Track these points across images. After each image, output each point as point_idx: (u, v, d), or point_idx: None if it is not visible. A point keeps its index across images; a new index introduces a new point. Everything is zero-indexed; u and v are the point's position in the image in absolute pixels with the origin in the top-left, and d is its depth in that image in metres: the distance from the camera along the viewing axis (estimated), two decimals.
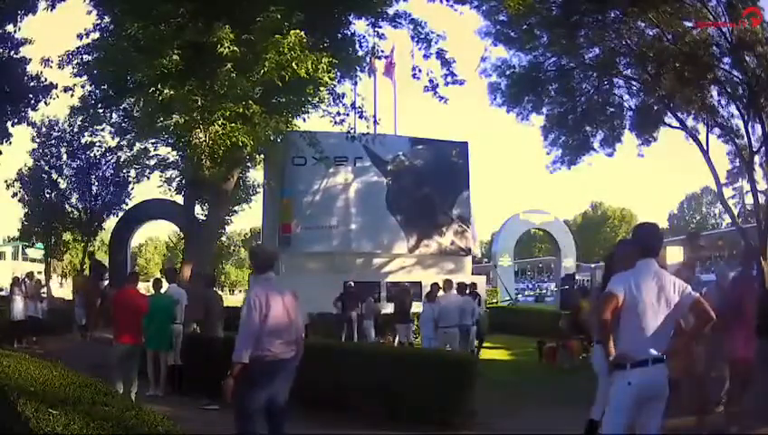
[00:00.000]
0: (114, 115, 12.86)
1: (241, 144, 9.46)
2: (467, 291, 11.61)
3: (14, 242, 42.01)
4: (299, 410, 6.90)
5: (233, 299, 44.53)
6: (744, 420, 5.38)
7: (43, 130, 21.37)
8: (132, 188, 22.25)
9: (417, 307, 12.69)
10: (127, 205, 22.13)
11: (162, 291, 8.53)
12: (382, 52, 14.02)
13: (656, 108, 18.81)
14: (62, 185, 22.09)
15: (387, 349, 9.33)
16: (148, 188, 32.52)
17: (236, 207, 19.68)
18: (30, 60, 15.38)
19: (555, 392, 8.40)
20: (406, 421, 6.31)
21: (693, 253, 7.47)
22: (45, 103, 15.75)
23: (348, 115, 12.07)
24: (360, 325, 13.57)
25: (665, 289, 3.48)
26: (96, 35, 11.13)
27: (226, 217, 19.26)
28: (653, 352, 3.40)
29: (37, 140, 21.55)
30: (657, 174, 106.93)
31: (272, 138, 10.57)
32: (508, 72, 19.04)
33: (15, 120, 15.91)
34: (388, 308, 14.35)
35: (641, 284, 3.47)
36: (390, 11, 11.80)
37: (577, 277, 33.34)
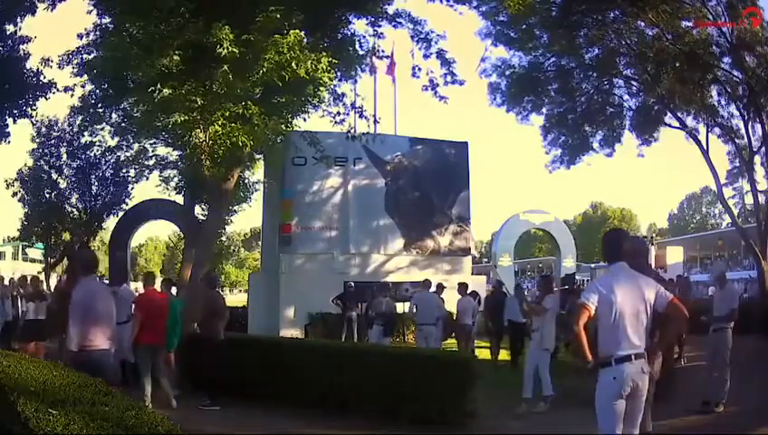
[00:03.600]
0: (114, 115, 12.86)
1: (241, 144, 9.45)
2: (467, 291, 11.62)
3: (14, 242, 42.00)
4: (300, 410, 6.93)
5: (233, 299, 44.56)
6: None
7: (43, 129, 21.35)
8: (132, 188, 22.26)
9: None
10: (127, 205, 22.12)
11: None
12: (382, 51, 14.01)
13: (656, 108, 18.83)
14: (62, 185, 22.06)
15: (387, 349, 9.32)
16: (148, 188, 32.51)
17: (236, 207, 19.65)
18: (30, 55, 15.40)
19: (555, 392, 8.38)
20: (406, 421, 6.31)
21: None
22: (46, 98, 15.75)
23: (348, 115, 12.07)
24: (360, 328, 13.24)
25: (639, 288, 3.68)
26: (96, 35, 11.13)
27: (226, 217, 19.24)
28: (634, 347, 3.56)
29: (37, 140, 21.52)
30: (657, 174, 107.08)
31: (271, 138, 10.56)
32: (508, 73, 19.07)
33: (16, 117, 15.90)
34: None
35: (614, 285, 3.65)
36: (390, 10, 11.81)
37: (577, 277, 33.31)
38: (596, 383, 3.66)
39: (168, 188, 14.28)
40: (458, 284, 11.82)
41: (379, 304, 11.69)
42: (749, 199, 21.89)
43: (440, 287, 11.23)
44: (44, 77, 15.37)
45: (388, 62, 19.05)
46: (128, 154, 13.86)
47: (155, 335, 7.14)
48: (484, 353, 12.04)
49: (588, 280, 37.52)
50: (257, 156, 13.52)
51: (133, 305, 7.91)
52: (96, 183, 22.01)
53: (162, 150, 13.27)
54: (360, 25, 14.19)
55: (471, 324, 11.26)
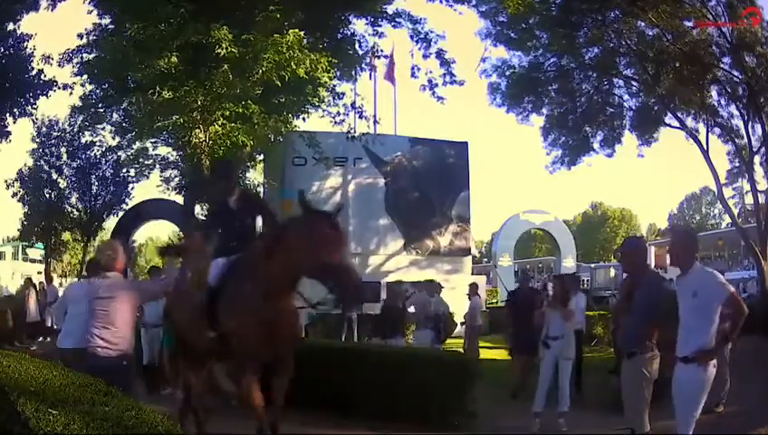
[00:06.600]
0: (114, 115, 12.89)
1: (241, 144, 9.47)
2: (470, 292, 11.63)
3: (14, 242, 41.96)
4: (299, 410, 6.92)
5: None
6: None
7: (44, 129, 21.37)
8: (132, 188, 22.28)
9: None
10: (127, 205, 22.13)
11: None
12: (382, 51, 14.05)
13: (656, 108, 18.80)
14: (62, 185, 22.08)
15: (387, 349, 9.31)
16: (148, 188, 32.50)
17: None
18: (32, 54, 15.38)
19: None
20: (406, 421, 6.31)
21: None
22: (46, 96, 15.75)
23: (347, 115, 12.11)
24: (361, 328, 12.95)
25: None
26: (96, 35, 11.16)
27: None
28: None
29: (37, 140, 21.55)
30: (657, 174, 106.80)
31: (271, 138, 10.58)
32: (508, 73, 19.04)
33: (17, 116, 15.90)
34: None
35: None
36: (390, 10, 11.85)
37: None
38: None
39: (168, 188, 14.32)
40: (469, 284, 11.83)
41: (427, 304, 9.57)
42: (749, 199, 21.91)
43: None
44: (45, 76, 15.39)
45: (387, 67, 19.01)
46: (128, 154, 13.88)
47: None
48: (488, 353, 12.04)
49: (588, 280, 37.43)
50: (257, 156, 13.54)
51: None
52: (96, 183, 22.03)
53: (162, 150, 13.32)
54: (360, 25, 14.22)
55: (481, 325, 11.38)
